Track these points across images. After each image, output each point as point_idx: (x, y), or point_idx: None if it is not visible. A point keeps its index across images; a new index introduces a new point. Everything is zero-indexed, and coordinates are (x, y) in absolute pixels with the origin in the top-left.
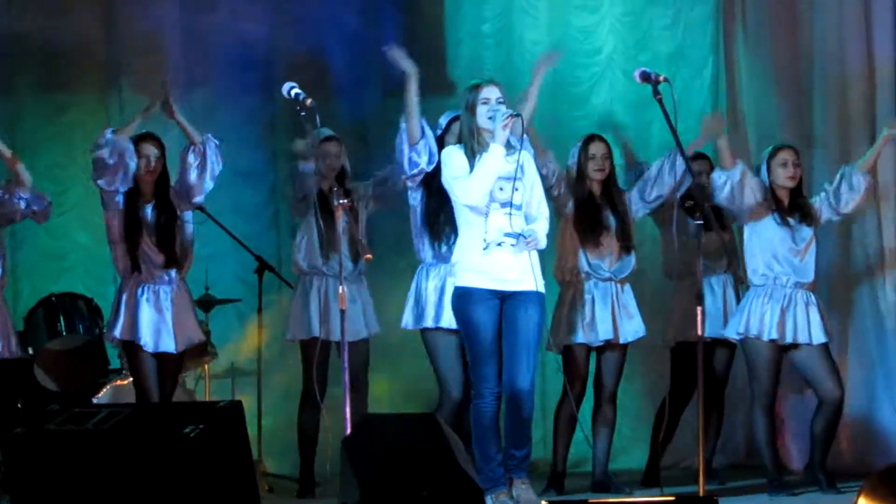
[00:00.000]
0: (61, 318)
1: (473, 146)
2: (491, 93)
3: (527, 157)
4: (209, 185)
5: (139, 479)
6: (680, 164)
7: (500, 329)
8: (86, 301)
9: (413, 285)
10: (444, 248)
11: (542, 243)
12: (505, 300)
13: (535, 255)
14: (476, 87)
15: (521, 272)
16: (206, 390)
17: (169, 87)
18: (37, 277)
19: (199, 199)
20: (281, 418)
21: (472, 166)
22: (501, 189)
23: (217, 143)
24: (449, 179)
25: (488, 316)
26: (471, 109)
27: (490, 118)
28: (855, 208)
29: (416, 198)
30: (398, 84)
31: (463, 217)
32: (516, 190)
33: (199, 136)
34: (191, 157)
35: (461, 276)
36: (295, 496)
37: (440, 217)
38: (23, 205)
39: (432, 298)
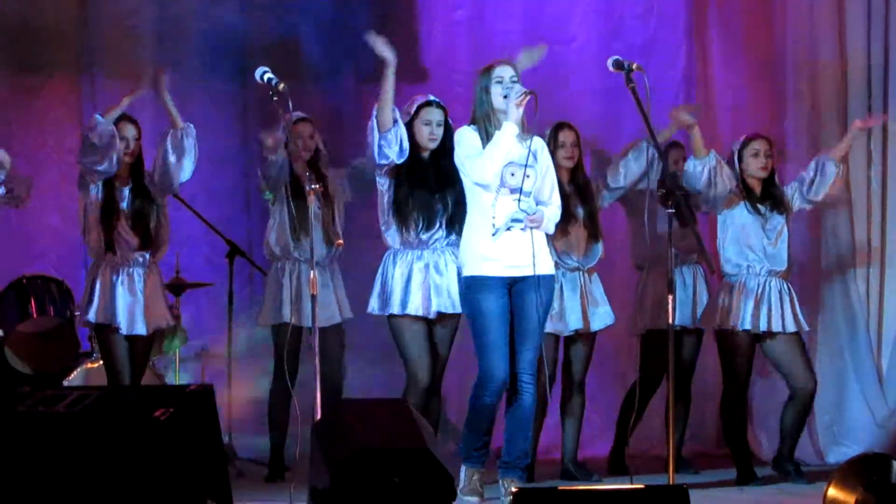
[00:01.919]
0: (32, 301)
1: (488, 128)
2: (504, 71)
3: (540, 144)
4: (187, 171)
5: (109, 462)
6: (644, 153)
7: (509, 320)
8: (57, 283)
9: (380, 271)
10: (412, 235)
11: (550, 228)
12: (514, 285)
13: (542, 237)
14: (489, 68)
15: (530, 255)
16: (175, 374)
17: (163, 71)
18: (7, 260)
19: (176, 185)
20: (251, 403)
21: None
22: (513, 175)
23: (195, 133)
24: (461, 158)
25: (499, 304)
26: (486, 91)
27: (504, 97)
28: (824, 197)
29: (384, 184)
30: (372, 71)
31: (472, 201)
32: (527, 177)
33: (182, 122)
34: (170, 140)
35: (471, 265)
36: (264, 480)
37: (409, 204)
38: (1, 190)
39: (399, 285)
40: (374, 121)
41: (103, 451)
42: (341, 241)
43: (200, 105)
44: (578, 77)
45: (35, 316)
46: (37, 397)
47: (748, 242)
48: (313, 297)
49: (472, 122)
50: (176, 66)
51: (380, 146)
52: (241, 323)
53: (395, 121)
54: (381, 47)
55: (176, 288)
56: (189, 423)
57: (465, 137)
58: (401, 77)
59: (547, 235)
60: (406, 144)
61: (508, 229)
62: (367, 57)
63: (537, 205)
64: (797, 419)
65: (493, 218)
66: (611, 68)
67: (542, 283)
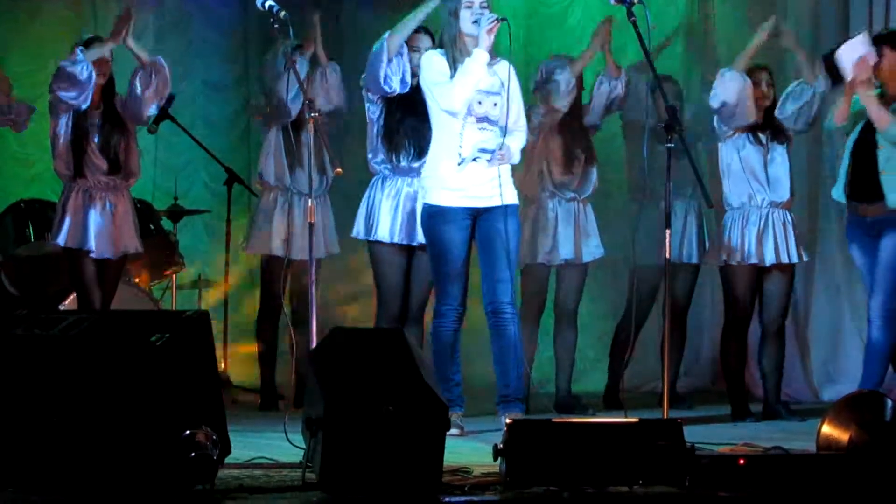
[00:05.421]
0: (30, 225)
1: (455, 53)
2: None
3: (508, 70)
4: (158, 105)
5: (104, 386)
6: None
7: (469, 249)
8: (54, 208)
9: (366, 196)
10: (401, 162)
11: (516, 158)
12: (479, 216)
13: (507, 167)
14: None
15: (494, 186)
16: (172, 300)
17: (131, 14)
18: (6, 184)
19: (145, 118)
20: (247, 330)
21: (453, 73)
22: (480, 103)
23: (167, 65)
24: (429, 84)
25: (460, 235)
26: (454, 14)
27: (474, 22)
28: (804, 118)
29: (374, 111)
30: None
31: (438, 129)
32: (495, 105)
33: (149, 57)
34: (139, 78)
35: (433, 194)
36: (259, 409)
37: (399, 131)
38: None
39: (387, 213)
40: (385, 45)
41: (99, 375)
42: (340, 170)
43: (201, 32)
44: (580, 9)
45: (32, 240)
46: (33, 321)
47: (750, 172)
48: (311, 227)
49: (440, 45)
50: None
51: (386, 74)
52: (238, 250)
53: (402, 51)
54: None
55: (174, 215)
56: (184, 350)
57: (434, 62)
58: (406, 5)
59: (546, 167)
60: (408, 77)
61: (475, 160)
62: None
63: (505, 132)
64: (775, 359)
65: (461, 147)
66: (612, 2)
67: (510, 212)
